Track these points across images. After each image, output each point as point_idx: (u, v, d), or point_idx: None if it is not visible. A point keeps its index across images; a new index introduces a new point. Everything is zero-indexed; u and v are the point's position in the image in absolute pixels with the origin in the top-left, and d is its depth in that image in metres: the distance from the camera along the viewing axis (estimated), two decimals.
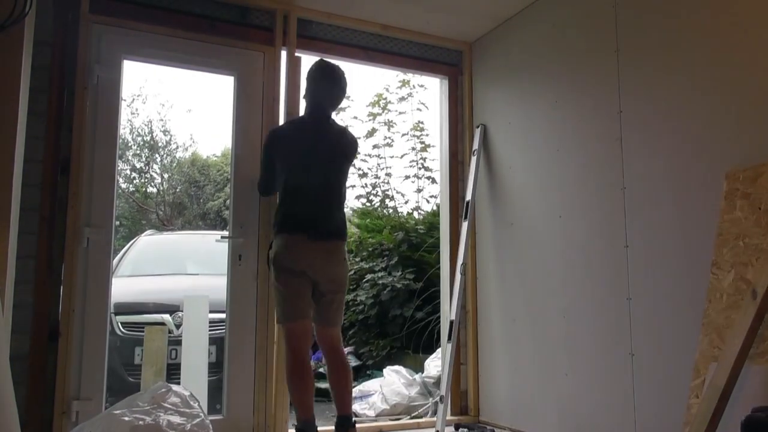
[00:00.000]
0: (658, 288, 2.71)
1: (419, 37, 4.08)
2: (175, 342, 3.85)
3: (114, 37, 3.28)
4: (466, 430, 3.62)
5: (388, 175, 7.23)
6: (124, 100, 12.88)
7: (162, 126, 13.72)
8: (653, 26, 2.85)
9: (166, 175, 13.93)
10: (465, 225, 3.90)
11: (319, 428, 2.94)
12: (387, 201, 7.17)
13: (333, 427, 2.98)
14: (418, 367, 4.57)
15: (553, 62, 3.46)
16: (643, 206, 2.82)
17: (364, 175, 7.26)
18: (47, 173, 3.01)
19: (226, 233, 3.62)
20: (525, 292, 3.55)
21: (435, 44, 4.16)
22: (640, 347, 2.77)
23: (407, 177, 7.08)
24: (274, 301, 3.13)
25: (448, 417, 3.65)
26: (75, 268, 3.06)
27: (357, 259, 6.12)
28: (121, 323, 4.00)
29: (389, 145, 7.27)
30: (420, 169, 7.03)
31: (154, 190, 13.81)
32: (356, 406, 4.25)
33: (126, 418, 2.38)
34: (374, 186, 7.27)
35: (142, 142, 13.49)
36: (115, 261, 4.88)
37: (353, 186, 7.28)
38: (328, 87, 3.19)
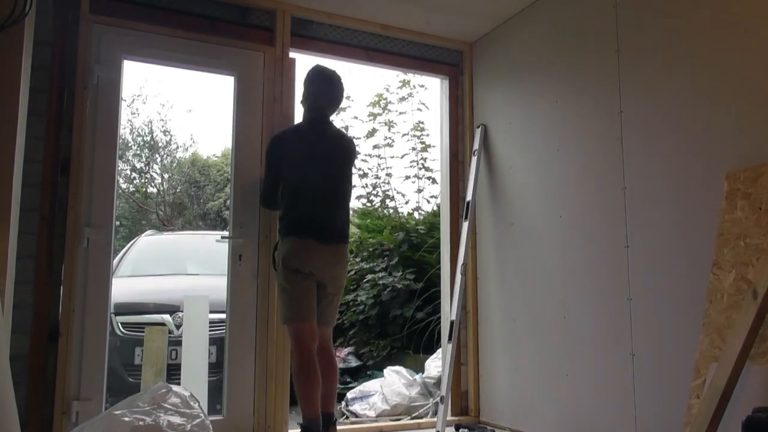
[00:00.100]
0: (658, 288, 2.71)
1: (419, 37, 4.08)
2: (176, 342, 3.84)
3: (114, 37, 3.28)
4: (466, 430, 3.61)
5: (389, 175, 7.23)
6: (124, 100, 12.91)
7: (162, 126, 13.72)
8: (654, 26, 2.84)
9: (166, 176, 13.93)
10: (465, 225, 3.90)
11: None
12: (387, 201, 7.17)
13: None
14: (419, 368, 4.56)
15: (554, 62, 3.46)
16: (644, 206, 2.82)
17: (364, 175, 7.26)
18: (47, 173, 3.01)
19: (226, 233, 3.62)
20: (525, 293, 3.55)
21: (435, 44, 4.16)
22: (641, 347, 2.77)
23: (408, 177, 7.09)
24: (279, 302, 3.15)
25: (449, 417, 3.64)
26: (75, 269, 3.06)
27: (357, 260, 6.11)
28: (122, 323, 4.00)
29: (390, 145, 7.28)
30: (420, 169, 7.03)
31: (155, 190, 13.81)
32: (357, 407, 4.25)
33: (126, 419, 2.38)
34: (375, 186, 7.28)
35: (142, 143, 13.48)
36: (115, 261, 4.88)
37: (354, 186, 7.26)
38: (326, 90, 3.23)
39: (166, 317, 4.07)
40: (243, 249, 3.44)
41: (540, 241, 3.45)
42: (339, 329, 5.86)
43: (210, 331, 3.66)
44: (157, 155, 13.75)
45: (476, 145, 4.00)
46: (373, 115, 7.42)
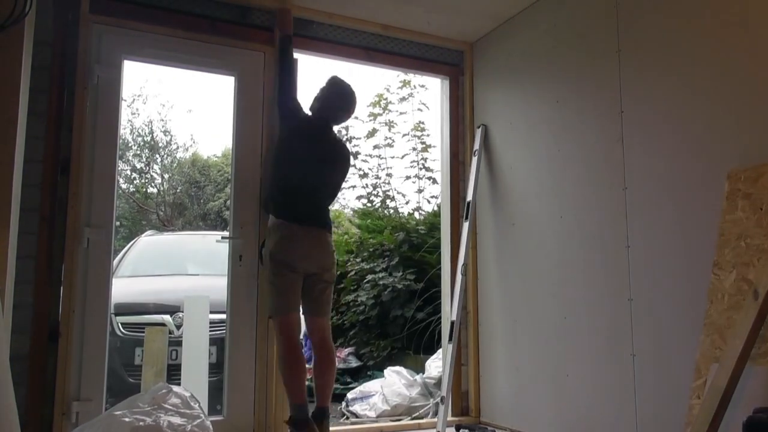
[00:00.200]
0: (659, 288, 2.70)
1: (420, 37, 4.08)
2: (176, 343, 3.84)
3: (114, 37, 3.27)
4: (467, 431, 3.61)
5: (389, 175, 7.22)
6: (125, 101, 12.91)
7: (162, 126, 13.73)
8: (654, 26, 2.84)
9: (166, 176, 13.93)
10: (466, 225, 3.90)
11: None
12: (388, 201, 7.16)
13: None
14: (419, 368, 4.56)
15: (554, 62, 3.45)
16: (645, 207, 2.81)
17: (364, 175, 7.25)
18: (47, 173, 3.01)
19: (226, 234, 3.62)
20: (526, 293, 3.55)
21: (436, 44, 4.16)
22: (642, 348, 2.77)
23: (408, 177, 7.08)
24: (267, 295, 3.19)
25: (449, 418, 3.64)
26: (75, 269, 3.06)
27: (358, 260, 6.11)
28: (122, 324, 3.99)
29: (390, 145, 7.27)
30: (421, 169, 7.02)
31: (155, 190, 13.82)
32: (357, 407, 4.25)
33: (126, 419, 2.38)
34: (375, 186, 7.27)
35: (142, 143, 13.49)
36: (115, 261, 4.88)
37: (354, 186, 7.28)
38: (338, 101, 3.28)
39: (167, 317, 4.07)
40: (243, 249, 3.44)
41: (540, 242, 3.45)
42: (339, 329, 5.86)
43: (210, 331, 3.67)
44: (157, 155, 13.75)
45: (477, 146, 3.99)
46: (374, 115, 7.41)
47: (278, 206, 3.11)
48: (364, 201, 7.27)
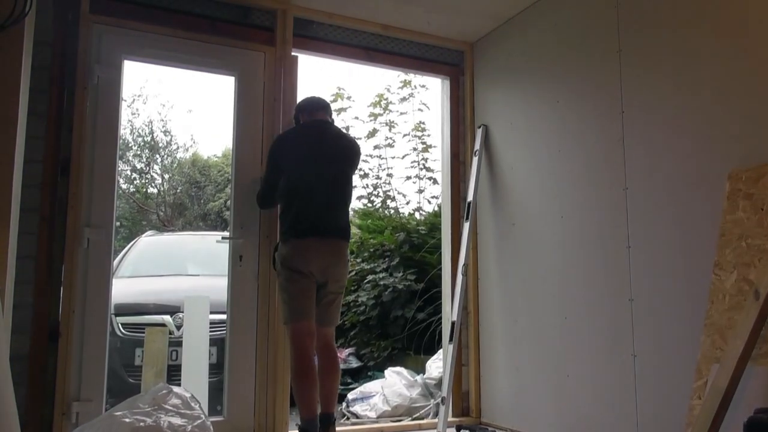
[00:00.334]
0: (660, 289, 2.70)
1: (420, 37, 4.08)
2: (176, 343, 3.84)
3: (114, 37, 3.27)
4: (467, 431, 3.61)
5: (390, 175, 7.21)
6: (125, 101, 12.90)
7: (162, 126, 13.71)
8: (655, 26, 2.84)
9: (166, 176, 13.92)
10: (466, 226, 3.89)
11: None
12: (388, 202, 7.16)
13: None
14: (420, 369, 4.55)
15: (555, 62, 3.45)
16: (645, 207, 2.81)
17: (365, 175, 7.24)
18: (47, 173, 3.00)
19: (226, 234, 3.62)
20: (527, 293, 3.54)
21: (436, 44, 4.16)
22: (642, 348, 2.76)
23: (408, 178, 7.07)
24: (280, 302, 3.15)
25: (450, 418, 3.64)
26: (75, 269, 3.06)
27: (358, 260, 6.10)
28: (122, 324, 3.99)
29: (390, 145, 7.26)
30: (421, 169, 7.01)
31: (155, 190, 13.81)
32: (357, 408, 4.24)
33: (127, 420, 2.37)
34: (375, 187, 7.26)
35: (142, 143, 13.48)
36: (115, 262, 4.88)
37: (355, 186, 7.25)
38: (309, 100, 3.35)
39: (167, 318, 4.06)
40: (243, 249, 3.43)
41: (541, 242, 3.45)
42: (340, 330, 5.85)
43: (210, 331, 3.66)
44: (157, 155, 13.75)
45: (477, 146, 3.99)
46: (374, 116, 7.40)
47: (289, 227, 3.04)
48: (365, 201, 7.27)
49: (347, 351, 5.53)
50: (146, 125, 13.50)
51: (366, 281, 5.77)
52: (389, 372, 4.43)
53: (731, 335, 2.16)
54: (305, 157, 3.12)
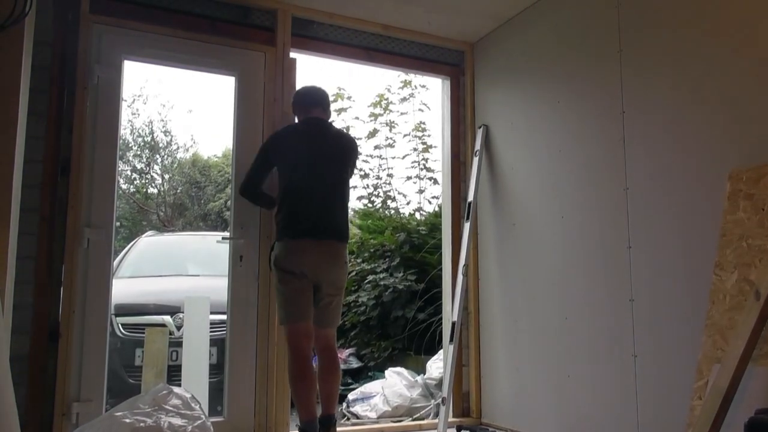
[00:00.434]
0: (660, 289, 2.70)
1: (420, 37, 4.08)
2: (176, 343, 3.84)
3: (114, 37, 3.27)
4: (468, 431, 3.61)
5: (390, 176, 7.21)
6: (125, 101, 12.90)
7: (163, 126, 13.73)
8: (656, 26, 2.83)
9: (166, 176, 13.93)
10: (467, 226, 3.89)
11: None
12: (389, 202, 7.15)
13: None
14: (420, 369, 4.55)
15: (556, 62, 3.45)
16: (646, 207, 2.81)
17: (365, 176, 7.24)
18: (47, 173, 3.00)
19: (227, 234, 3.62)
20: (527, 293, 3.54)
21: (436, 44, 4.15)
22: (643, 348, 2.76)
23: (409, 178, 7.07)
24: (276, 303, 3.14)
25: (450, 419, 3.63)
26: (75, 269, 3.06)
27: (359, 261, 6.10)
28: (122, 324, 3.99)
29: (391, 145, 7.25)
30: (422, 169, 7.01)
31: (155, 190, 13.82)
32: (358, 408, 4.24)
33: (127, 420, 2.37)
34: (376, 187, 7.26)
35: (142, 143, 13.49)
36: (115, 262, 4.87)
37: (354, 187, 7.26)
38: (307, 93, 3.32)
39: (167, 318, 4.06)
40: (244, 250, 3.43)
41: (542, 242, 3.44)
42: (340, 330, 5.85)
43: (211, 332, 3.66)
44: (157, 156, 13.75)
45: (478, 146, 3.99)
46: (374, 116, 7.40)
47: (284, 226, 3.02)
48: (365, 201, 7.26)
49: (348, 351, 5.53)
50: (146, 125, 13.52)
51: (366, 281, 5.77)
52: (390, 372, 4.43)
53: (732, 335, 2.16)
54: (304, 157, 3.11)
